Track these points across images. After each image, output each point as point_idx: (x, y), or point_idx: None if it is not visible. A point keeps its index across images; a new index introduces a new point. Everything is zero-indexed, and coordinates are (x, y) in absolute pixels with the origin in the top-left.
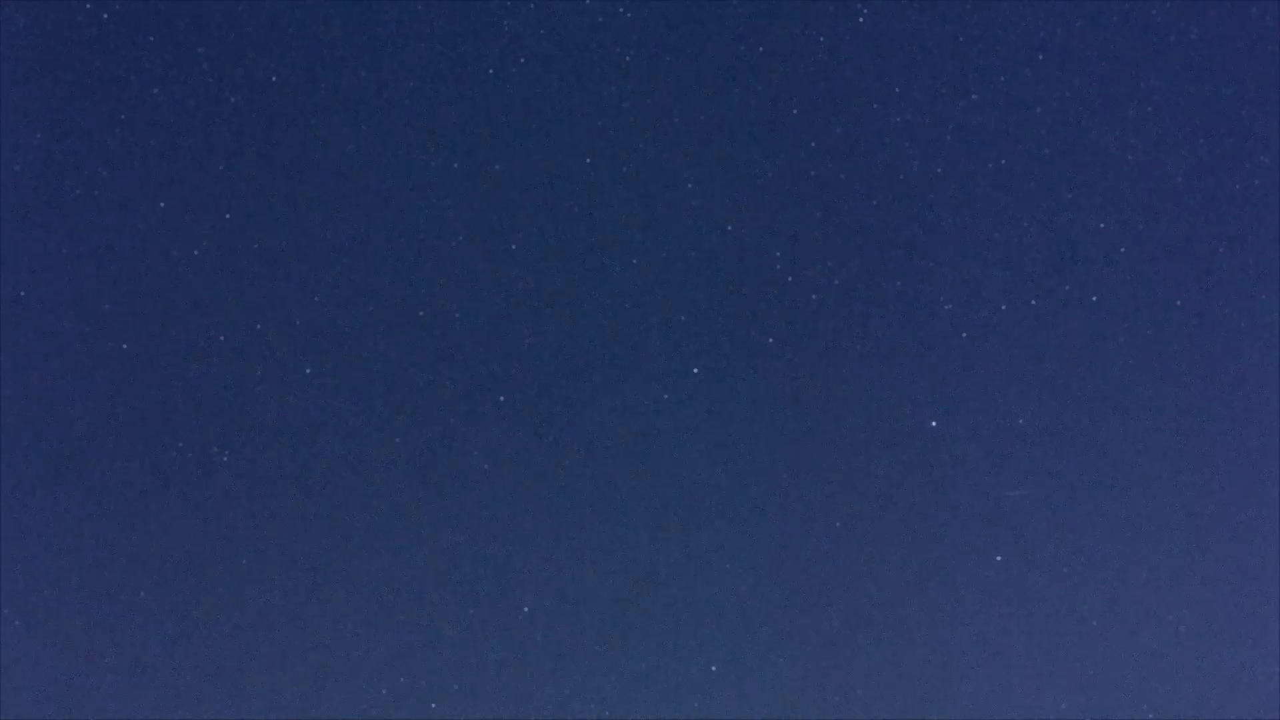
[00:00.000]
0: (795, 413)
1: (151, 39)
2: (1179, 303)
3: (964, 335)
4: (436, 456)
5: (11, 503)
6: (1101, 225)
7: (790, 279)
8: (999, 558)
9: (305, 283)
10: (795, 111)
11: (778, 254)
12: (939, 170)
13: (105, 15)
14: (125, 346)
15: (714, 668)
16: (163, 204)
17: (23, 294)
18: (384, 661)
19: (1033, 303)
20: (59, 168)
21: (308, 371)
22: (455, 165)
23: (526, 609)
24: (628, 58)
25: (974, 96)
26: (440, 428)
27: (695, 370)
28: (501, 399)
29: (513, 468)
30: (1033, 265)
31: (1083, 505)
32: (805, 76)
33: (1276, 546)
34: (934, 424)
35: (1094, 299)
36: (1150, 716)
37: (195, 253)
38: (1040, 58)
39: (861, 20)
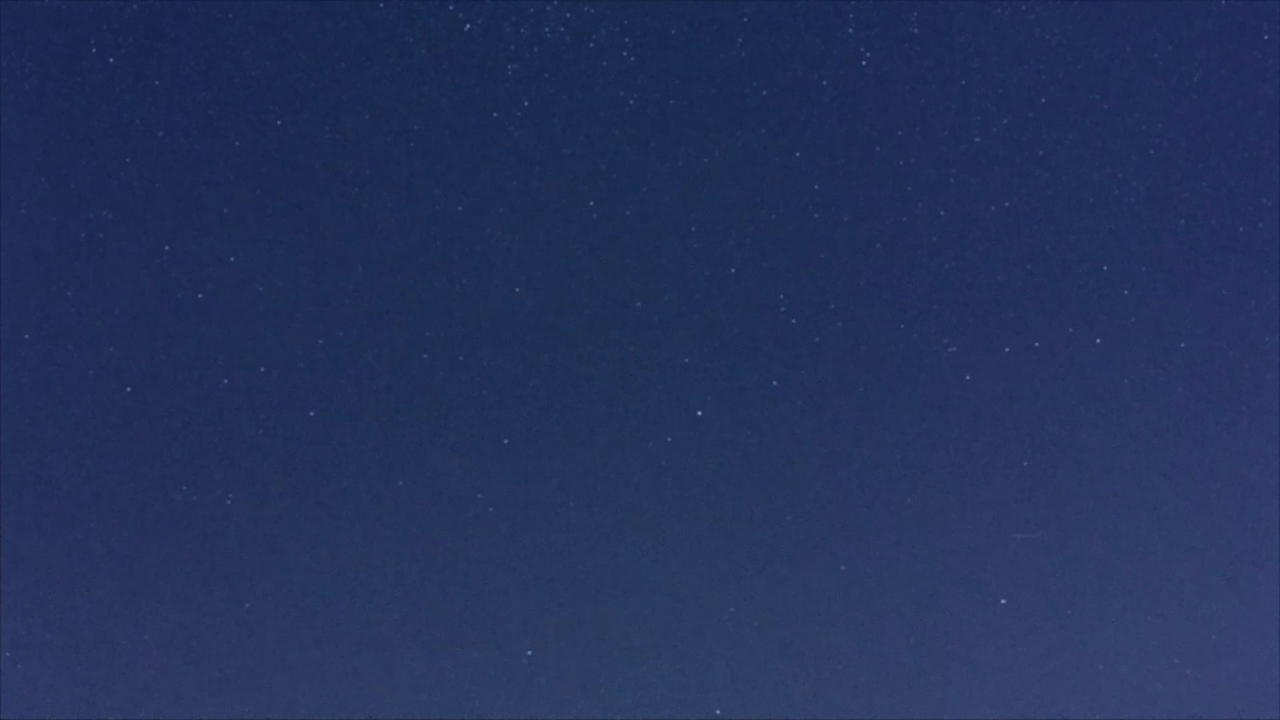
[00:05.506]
0: (798, 446)
1: (141, 50)
2: (1181, 338)
3: (967, 377)
4: (433, 474)
5: (12, 503)
6: (1105, 267)
7: (794, 320)
8: (999, 569)
9: (299, 292)
10: (798, 154)
11: (780, 293)
12: (941, 211)
13: (103, 25)
14: (123, 349)
15: (704, 679)
16: (158, 214)
17: (21, 298)
18: (381, 666)
19: (1036, 345)
20: (59, 182)
21: (302, 386)
22: (454, 186)
23: (520, 619)
24: (632, 100)
25: (977, 139)
26: (437, 447)
27: (696, 404)
28: (499, 415)
29: (511, 488)
30: (1033, 304)
31: (1081, 509)
32: (809, 119)
33: (1277, 547)
34: (936, 457)
35: (1097, 340)
36: (1150, 716)
37: (190, 258)
38: (1040, 84)
39: (864, 64)
